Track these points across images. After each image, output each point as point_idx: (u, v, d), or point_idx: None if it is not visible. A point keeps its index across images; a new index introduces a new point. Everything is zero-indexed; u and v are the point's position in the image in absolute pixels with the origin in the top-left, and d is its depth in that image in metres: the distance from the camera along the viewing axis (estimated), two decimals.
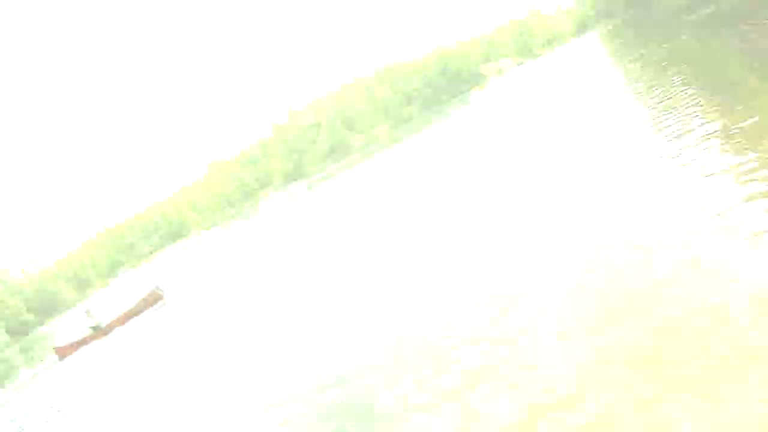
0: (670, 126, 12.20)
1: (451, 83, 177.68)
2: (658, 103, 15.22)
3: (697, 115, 11.96)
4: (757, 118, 9.74)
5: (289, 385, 8.11)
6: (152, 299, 28.24)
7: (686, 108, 13.15)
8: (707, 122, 11.10)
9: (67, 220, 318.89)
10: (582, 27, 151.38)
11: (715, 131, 10.22)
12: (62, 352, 29.41)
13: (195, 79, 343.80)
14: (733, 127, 10.01)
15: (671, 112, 13.40)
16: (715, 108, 11.90)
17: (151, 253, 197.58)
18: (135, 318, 27.49)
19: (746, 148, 8.60)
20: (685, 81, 16.65)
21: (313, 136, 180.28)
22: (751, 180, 7.36)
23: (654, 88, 17.56)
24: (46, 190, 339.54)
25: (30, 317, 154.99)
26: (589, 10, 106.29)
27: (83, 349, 27.72)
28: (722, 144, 9.38)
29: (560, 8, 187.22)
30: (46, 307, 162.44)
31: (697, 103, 13.14)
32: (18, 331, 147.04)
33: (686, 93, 14.88)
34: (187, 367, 12.82)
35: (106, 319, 29.59)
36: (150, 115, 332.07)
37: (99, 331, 28.71)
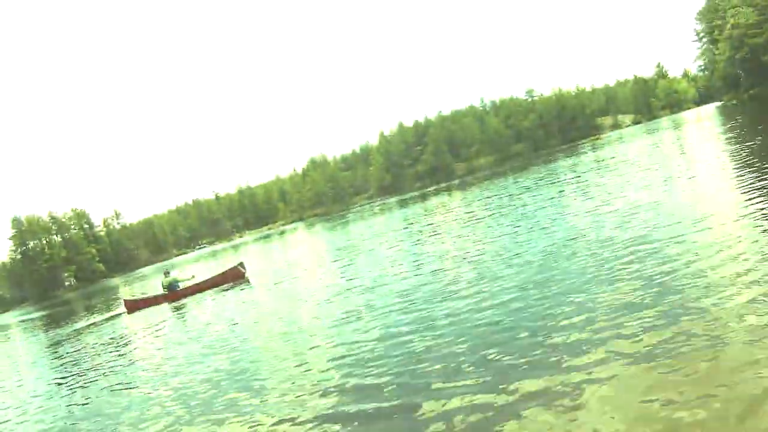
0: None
1: (565, 129, 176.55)
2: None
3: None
4: None
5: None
6: (233, 275, 28.90)
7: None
8: None
9: (161, 182, 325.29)
10: (706, 95, 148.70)
11: None
12: (131, 306, 30.57)
13: (315, 72, 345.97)
14: None
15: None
16: None
17: (233, 233, 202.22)
18: (213, 289, 28.03)
19: None
20: None
21: (416, 153, 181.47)
22: None
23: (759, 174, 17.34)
24: (150, 146, 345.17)
25: (101, 267, 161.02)
26: (716, 80, 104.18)
27: (153, 307, 28.71)
28: None
29: (688, 72, 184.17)
30: (119, 262, 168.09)
31: None
32: (87, 277, 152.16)
33: None
34: (236, 340, 14.07)
35: (183, 284, 30.17)
36: (264, 99, 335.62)
37: (172, 293, 29.55)
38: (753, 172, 17.85)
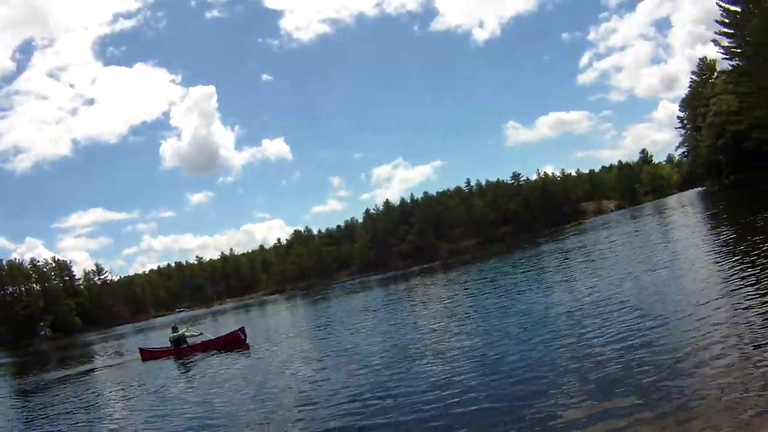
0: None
1: (550, 213, 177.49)
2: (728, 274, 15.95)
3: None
4: None
5: None
6: (234, 339, 29.23)
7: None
8: None
9: (144, 239, 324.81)
10: (689, 181, 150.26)
11: None
12: (145, 355, 32.22)
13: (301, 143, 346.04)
14: None
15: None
16: None
17: (213, 298, 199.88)
18: (214, 350, 28.52)
19: None
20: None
21: (401, 232, 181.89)
22: None
23: (734, 258, 18.22)
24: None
25: (78, 321, 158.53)
26: (698, 166, 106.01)
27: (164, 359, 29.82)
28: None
29: (672, 158, 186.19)
30: (97, 317, 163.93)
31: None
32: (63, 329, 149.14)
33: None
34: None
35: (190, 340, 31.17)
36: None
37: (180, 348, 30.39)
38: (729, 257, 19.04)
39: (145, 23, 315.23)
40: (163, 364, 28.18)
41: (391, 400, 11.52)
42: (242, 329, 30.02)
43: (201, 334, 31.86)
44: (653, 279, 19.49)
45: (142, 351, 33.40)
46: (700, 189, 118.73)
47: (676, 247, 29.16)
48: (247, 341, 29.01)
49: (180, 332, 31.55)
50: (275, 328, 39.31)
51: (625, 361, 10.52)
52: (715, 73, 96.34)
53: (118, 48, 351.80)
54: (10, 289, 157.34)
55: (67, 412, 19.06)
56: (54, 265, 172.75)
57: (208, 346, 29.78)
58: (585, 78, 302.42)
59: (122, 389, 22.05)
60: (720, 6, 69.76)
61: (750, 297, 13.26)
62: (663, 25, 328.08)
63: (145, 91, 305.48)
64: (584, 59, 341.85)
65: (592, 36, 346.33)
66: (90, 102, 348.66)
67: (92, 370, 34.62)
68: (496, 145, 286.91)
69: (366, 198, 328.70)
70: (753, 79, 62.13)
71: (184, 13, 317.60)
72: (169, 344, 31.74)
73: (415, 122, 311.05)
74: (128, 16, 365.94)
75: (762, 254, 18.17)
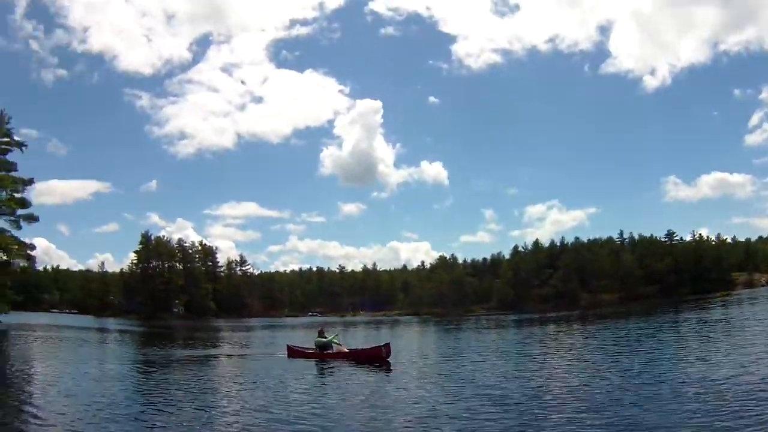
0: None
1: (698, 279, 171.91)
2: None
3: None
4: None
5: None
6: (377, 353, 29.72)
7: None
8: None
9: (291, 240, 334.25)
10: None
11: None
12: (292, 352, 33.65)
13: None
14: None
15: None
16: None
17: (348, 309, 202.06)
18: (355, 361, 29.23)
19: None
20: None
21: (545, 275, 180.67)
22: None
23: None
24: None
25: (212, 305, 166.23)
26: None
27: (308, 359, 31.07)
28: None
29: None
30: (230, 306, 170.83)
31: None
32: (195, 310, 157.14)
33: None
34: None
35: (336, 347, 31.76)
36: None
37: (324, 353, 31.41)
38: None
39: (320, 32, 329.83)
40: (307, 364, 29.17)
41: None
42: (387, 345, 30.29)
43: (343, 347, 32.15)
44: None
45: (290, 348, 34.38)
46: None
47: None
48: (390, 359, 29.26)
49: (328, 338, 32.39)
50: (411, 349, 39.96)
51: None
52: None
53: (292, 52, 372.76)
54: (154, 263, 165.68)
55: (199, 392, 20.47)
56: (200, 248, 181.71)
57: (351, 356, 30.45)
58: (753, 139, 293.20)
59: (265, 381, 23.08)
60: None
61: None
62: None
63: (313, 97, 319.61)
64: (754, 119, 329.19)
65: (764, 95, 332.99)
66: (258, 100, 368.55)
67: (243, 355, 37.41)
68: (653, 198, 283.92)
69: (516, 235, 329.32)
70: None
71: (359, 27, 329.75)
72: (314, 347, 32.59)
73: (575, 164, 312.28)
74: (305, 23, 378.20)
75: None
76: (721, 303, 79.31)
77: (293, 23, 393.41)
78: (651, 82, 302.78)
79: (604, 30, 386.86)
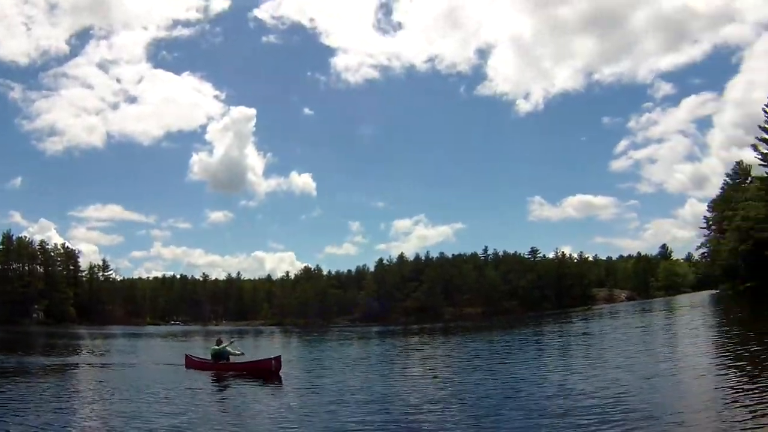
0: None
1: (560, 294, 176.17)
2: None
3: None
4: None
5: None
6: (267, 366, 28.21)
7: None
8: None
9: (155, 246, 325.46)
10: (704, 282, 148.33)
11: None
12: (190, 363, 31.69)
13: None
14: None
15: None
16: None
17: (211, 318, 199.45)
18: (246, 373, 27.96)
19: None
20: None
21: (410, 289, 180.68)
22: None
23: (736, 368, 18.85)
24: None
25: (72, 311, 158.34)
26: (716, 268, 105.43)
27: (205, 371, 29.42)
28: None
29: (692, 257, 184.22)
30: (91, 312, 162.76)
31: None
32: (55, 317, 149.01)
33: None
34: None
35: (232, 357, 30.48)
36: None
37: (220, 365, 29.72)
38: (730, 365, 19.84)
39: (201, 35, 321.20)
40: (201, 376, 27.83)
41: None
42: (277, 358, 28.69)
43: (242, 354, 31.04)
44: (648, 375, 19.69)
45: (187, 358, 32.74)
46: (713, 292, 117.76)
47: (678, 348, 29.02)
48: (280, 366, 28.12)
49: (223, 346, 30.73)
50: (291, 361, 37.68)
51: None
52: (749, 178, 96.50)
53: (171, 54, 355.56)
54: (14, 265, 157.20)
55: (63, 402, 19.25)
56: (62, 251, 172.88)
57: (242, 369, 29.16)
58: (618, 164, 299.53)
59: (160, 392, 21.97)
60: (766, 112, 69.96)
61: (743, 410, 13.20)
62: (704, 124, 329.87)
63: (188, 101, 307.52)
64: (621, 146, 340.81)
65: (632, 124, 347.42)
66: (132, 100, 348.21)
67: (133, 365, 35.21)
68: (519, 217, 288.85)
69: (382, 248, 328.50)
70: None
71: (241, 33, 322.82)
72: (209, 356, 31.14)
73: (443, 182, 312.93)
74: (187, 24, 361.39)
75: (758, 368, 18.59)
76: (581, 317, 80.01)
77: (176, 23, 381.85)
78: (524, 106, 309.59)
79: (483, 53, 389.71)
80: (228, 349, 30.65)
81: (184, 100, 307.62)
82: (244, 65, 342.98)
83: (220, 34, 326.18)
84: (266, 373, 27.55)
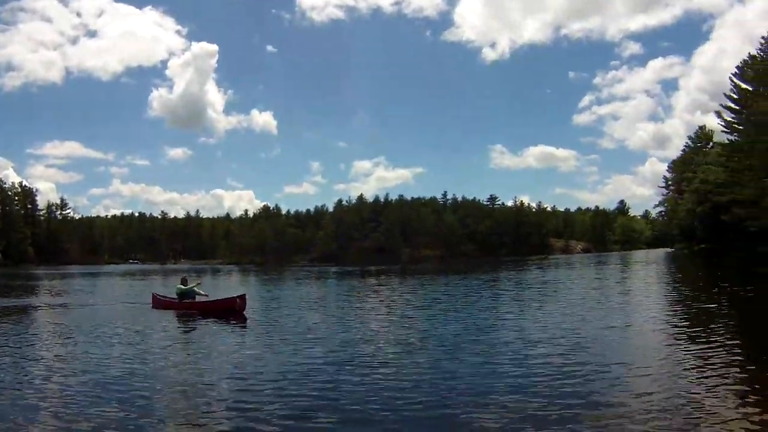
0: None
1: (517, 242, 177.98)
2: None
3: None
4: None
5: None
6: (231, 305, 27.87)
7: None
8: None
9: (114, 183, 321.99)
10: (660, 240, 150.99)
11: None
12: (156, 303, 31.30)
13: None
14: None
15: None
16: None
17: (169, 257, 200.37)
18: (212, 312, 27.54)
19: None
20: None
21: (368, 229, 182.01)
22: None
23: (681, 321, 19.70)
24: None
25: (31, 251, 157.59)
26: (673, 227, 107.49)
27: (172, 310, 28.95)
28: None
29: (649, 214, 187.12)
30: (49, 252, 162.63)
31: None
32: (13, 257, 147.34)
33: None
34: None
35: (199, 297, 30.03)
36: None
37: (186, 303, 29.41)
38: (676, 319, 20.98)
39: None
40: (168, 315, 27.42)
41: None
42: (242, 297, 28.30)
43: (207, 296, 30.41)
44: (603, 326, 19.79)
45: (154, 297, 32.38)
46: (669, 249, 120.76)
47: (632, 301, 29.24)
48: (245, 305, 27.83)
49: (190, 286, 30.45)
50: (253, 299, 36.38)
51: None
52: (711, 143, 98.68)
53: None
54: None
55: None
56: (19, 190, 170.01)
57: (208, 307, 28.71)
58: (581, 119, 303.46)
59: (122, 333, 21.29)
60: (732, 81, 70.83)
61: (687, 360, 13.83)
62: (669, 86, 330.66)
63: (149, 36, 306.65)
64: (585, 101, 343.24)
65: (597, 80, 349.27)
66: (92, 34, 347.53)
67: (100, 305, 34.07)
68: (479, 164, 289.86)
69: (341, 188, 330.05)
70: (746, 156, 62.87)
71: None
72: (175, 296, 30.57)
73: (405, 125, 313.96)
74: None
75: (710, 324, 19.41)
76: (538, 266, 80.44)
77: None
78: (490, 55, 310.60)
79: (452, 0, 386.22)
80: (195, 289, 30.41)
81: (145, 35, 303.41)
82: (207, 1, 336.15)
83: None
84: (231, 311, 27.33)
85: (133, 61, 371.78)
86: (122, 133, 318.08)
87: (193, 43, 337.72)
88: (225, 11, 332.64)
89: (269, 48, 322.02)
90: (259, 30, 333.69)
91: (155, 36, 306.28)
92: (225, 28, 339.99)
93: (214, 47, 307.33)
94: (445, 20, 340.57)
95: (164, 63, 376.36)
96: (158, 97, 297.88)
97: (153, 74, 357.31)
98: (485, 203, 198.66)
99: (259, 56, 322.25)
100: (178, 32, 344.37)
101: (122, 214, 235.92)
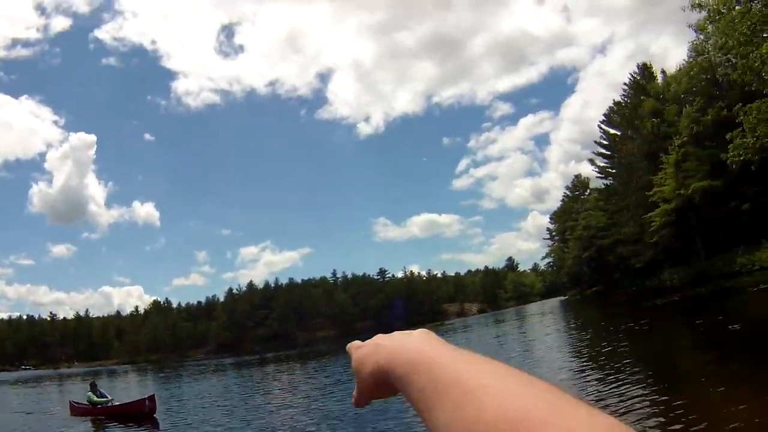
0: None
1: (412, 312, 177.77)
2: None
3: None
4: None
5: None
6: (141, 407, 26.31)
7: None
8: None
9: None
10: (552, 290, 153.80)
11: None
12: (74, 411, 30.14)
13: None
14: None
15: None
16: None
17: (62, 360, 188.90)
18: (124, 414, 26.69)
19: None
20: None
21: (261, 316, 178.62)
22: None
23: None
24: None
25: None
26: (562, 276, 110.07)
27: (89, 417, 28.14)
28: None
29: (538, 267, 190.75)
30: None
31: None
32: None
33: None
34: None
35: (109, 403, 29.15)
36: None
37: (99, 409, 28.51)
38: (588, 366, 20.64)
39: (41, 56, 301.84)
40: (85, 423, 26.98)
41: None
42: (151, 398, 26.66)
43: (112, 399, 29.64)
44: None
45: (71, 405, 31.03)
46: (562, 298, 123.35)
47: (533, 353, 29.92)
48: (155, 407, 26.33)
49: (99, 392, 29.76)
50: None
51: None
52: (588, 190, 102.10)
53: (9, 75, 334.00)
54: None
55: None
56: None
57: (118, 411, 27.58)
58: (460, 183, 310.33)
59: None
60: (601, 128, 73.74)
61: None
62: (542, 141, 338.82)
63: (26, 126, 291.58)
64: (462, 164, 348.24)
65: (472, 143, 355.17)
66: None
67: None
68: (365, 238, 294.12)
69: (230, 277, 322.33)
70: (621, 198, 64.83)
71: (80, 54, 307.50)
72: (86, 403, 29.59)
73: (288, 207, 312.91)
74: (27, 44, 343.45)
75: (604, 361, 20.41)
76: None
77: (15, 43, 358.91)
78: (365, 129, 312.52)
79: (324, 78, 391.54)
80: (107, 397, 29.81)
81: (23, 126, 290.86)
82: (84, 89, 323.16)
83: (60, 55, 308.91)
84: (140, 414, 26.08)
85: (10, 154, 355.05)
86: (3, 232, 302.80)
87: (71, 133, 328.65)
88: (101, 99, 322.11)
89: (147, 136, 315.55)
90: (136, 117, 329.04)
91: (32, 126, 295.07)
92: (102, 116, 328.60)
93: (92, 137, 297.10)
94: (318, 98, 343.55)
95: (42, 155, 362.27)
96: (38, 192, 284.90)
97: (31, 167, 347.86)
98: (376, 277, 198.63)
99: (137, 145, 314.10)
100: (55, 122, 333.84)
101: (9, 317, 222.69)
